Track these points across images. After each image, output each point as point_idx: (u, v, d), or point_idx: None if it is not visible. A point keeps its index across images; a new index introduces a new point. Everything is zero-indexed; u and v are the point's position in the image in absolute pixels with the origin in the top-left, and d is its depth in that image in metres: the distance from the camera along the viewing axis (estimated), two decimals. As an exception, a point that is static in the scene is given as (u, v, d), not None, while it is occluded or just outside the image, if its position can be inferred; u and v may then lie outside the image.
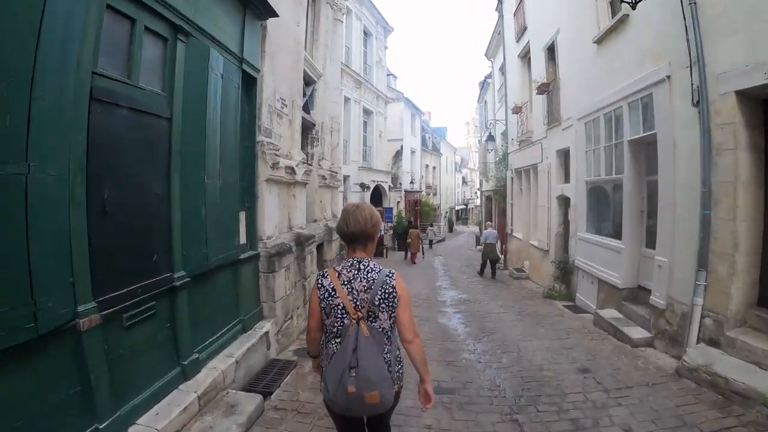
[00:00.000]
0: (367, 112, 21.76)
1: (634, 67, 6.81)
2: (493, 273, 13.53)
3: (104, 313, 2.79)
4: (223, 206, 4.28)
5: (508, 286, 12.02)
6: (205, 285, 3.97)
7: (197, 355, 3.76)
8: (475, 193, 61.20)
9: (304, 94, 8.11)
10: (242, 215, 4.85)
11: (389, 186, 25.09)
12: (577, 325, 7.27)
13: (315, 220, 8.28)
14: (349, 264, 2.19)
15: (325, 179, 8.41)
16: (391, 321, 2.17)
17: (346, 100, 18.76)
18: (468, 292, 11.17)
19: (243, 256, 4.77)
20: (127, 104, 3.05)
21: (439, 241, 29.73)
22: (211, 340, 4.06)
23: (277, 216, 5.77)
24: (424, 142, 37.70)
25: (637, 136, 6.74)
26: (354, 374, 2.02)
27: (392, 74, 30.73)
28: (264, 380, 4.44)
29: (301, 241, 6.38)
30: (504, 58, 16.03)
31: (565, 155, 10.59)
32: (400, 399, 2.33)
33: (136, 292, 3.09)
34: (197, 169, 3.83)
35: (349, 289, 2.13)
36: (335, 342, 2.15)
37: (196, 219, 3.81)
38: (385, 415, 2.32)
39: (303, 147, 8.45)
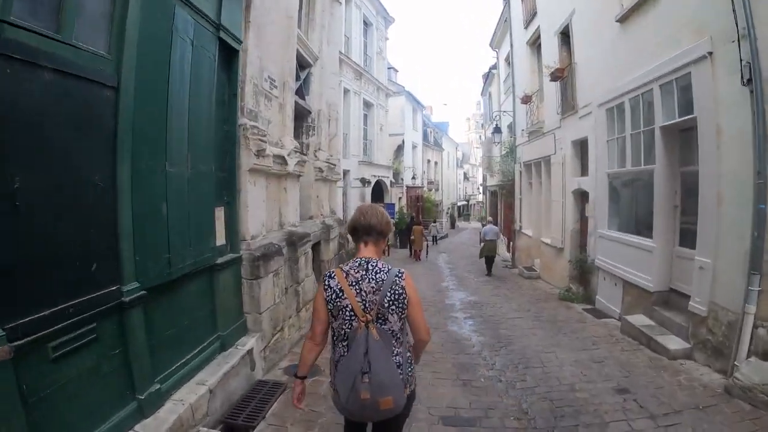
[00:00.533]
0: (367, 105, 20.98)
1: (667, 44, 6.04)
2: (490, 267, 13.45)
3: (18, 343, 2.07)
4: (194, 201, 3.52)
5: (519, 286, 11.28)
6: (169, 298, 3.23)
7: (158, 386, 3.02)
8: (478, 188, 60.94)
9: (298, 78, 7.37)
10: (220, 212, 4.09)
11: (391, 181, 24.34)
12: (603, 333, 6.54)
13: (311, 217, 7.54)
14: (357, 264, 2.12)
15: (322, 172, 7.66)
16: (401, 322, 2.10)
17: (346, 91, 18.00)
18: (477, 293, 10.44)
19: (221, 260, 4.02)
20: (54, 65, 2.30)
21: (442, 238, 28.96)
22: (177, 365, 3.31)
23: (264, 212, 5.02)
24: (425, 137, 37.00)
25: (671, 122, 5.98)
26: (367, 380, 1.95)
27: (393, 68, 29.97)
28: (246, 409, 3.69)
29: (294, 240, 5.64)
30: (511, 45, 15.23)
31: (581, 146, 9.82)
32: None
33: (66, 314, 2.34)
34: (156, 154, 3.07)
35: (358, 290, 2.06)
36: (342, 345, 2.07)
37: (155, 217, 3.05)
38: (399, 419, 2.23)
39: (297, 136, 7.71)
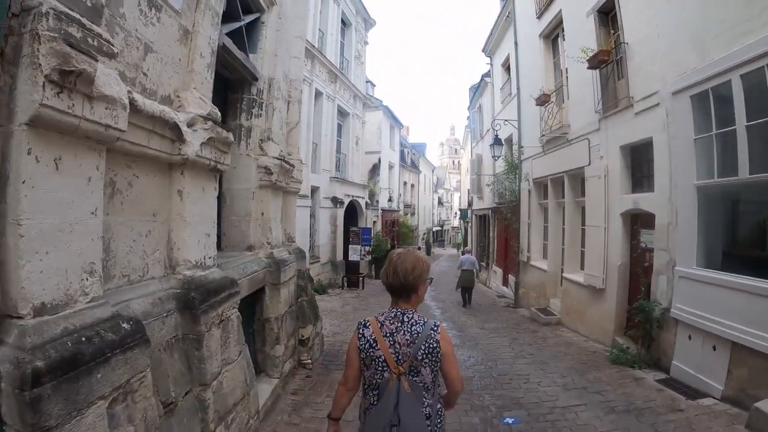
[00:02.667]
0: (342, 113, 18.26)
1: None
2: (469, 300, 12.43)
3: None
4: None
5: (540, 337, 8.48)
6: None
7: None
8: (455, 214, 59.04)
9: (238, 17, 4.53)
10: None
11: (366, 202, 21.50)
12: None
13: (249, 248, 4.59)
14: (392, 315, 2.08)
15: (271, 174, 4.73)
16: (433, 375, 2.04)
17: (318, 94, 15.26)
18: (487, 349, 7.61)
19: None
20: None
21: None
22: None
23: (90, 246, 2.06)
24: (402, 157, 34.56)
25: None
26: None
27: (370, 81, 27.52)
28: None
29: (192, 300, 2.73)
30: (515, 44, 12.85)
31: (635, 152, 7.29)
32: None
33: None
34: None
35: (391, 342, 2.03)
36: (372, 394, 2.05)
37: None
38: None
39: (229, 112, 4.84)
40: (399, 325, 2.04)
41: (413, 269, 2.07)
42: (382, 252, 19.71)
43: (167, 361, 2.63)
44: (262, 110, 4.95)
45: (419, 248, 28.84)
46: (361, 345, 2.06)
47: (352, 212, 19.64)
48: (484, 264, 19.57)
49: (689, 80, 5.73)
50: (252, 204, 4.58)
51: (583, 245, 9.09)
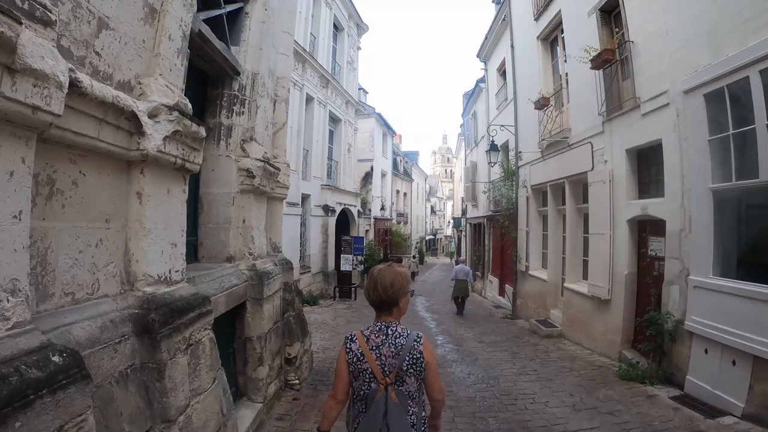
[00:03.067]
0: (334, 119, 17.87)
1: None
2: (462, 309, 12.72)
3: None
4: None
5: (542, 351, 8.05)
6: None
7: None
8: (448, 222, 58.74)
9: (218, 4, 4.12)
10: None
11: (358, 211, 21.05)
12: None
13: (229, 258, 4.13)
14: (377, 329, 2.17)
15: (253, 178, 4.28)
16: (418, 383, 2.14)
17: (309, 99, 14.87)
18: (488, 364, 7.17)
19: None
20: None
21: (413, 274, 25.70)
22: None
23: (19, 261, 1.63)
24: (395, 166, 34.21)
25: None
26: None
27: (363, 89, 27.20)
28: None
29: (151, 323, 2.28)
30: (512, 47, 12.55)
31: (643, 155, 6.95)
32: None
33: None
34: None
35: (378, 354, 2.11)
36: (360, 404, 2.14)
37: None
38: None
39: (211, 110, 4.42)
40: (384, 338, 2.13)
41: (392, 284, 2.15)
42: (374, 261, 19.25)
43: (120, 396, 2.18)
44: (244, 108, 4.52)
45: (413, 257, 28.42)
46: (350, 359, 2.14)
47: (343, 221, 19.20)
48: (479, 273, 19.17)
49: (702, 78, 5.41)
50: (232, 210, 4.12)
51: (585, 254, 8.72)
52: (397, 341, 2.11)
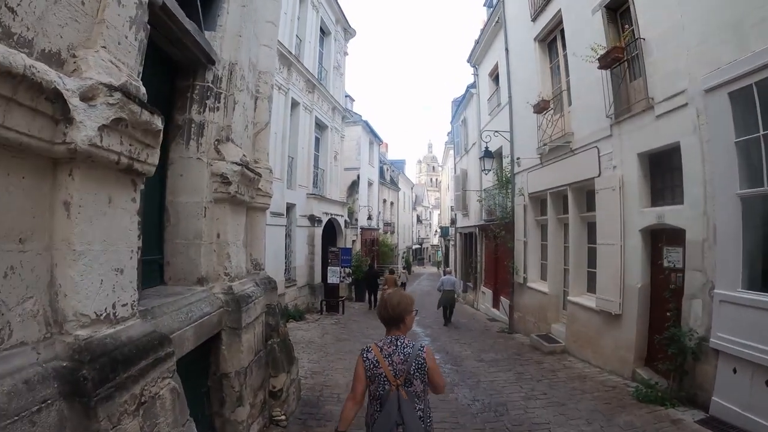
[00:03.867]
0: (320, 126, 17.25)
1: None
2: (450, 318, 13.08)
3: None
4: None
5: (548, 370, 7.47)
6: None
7: None
8: (435, 232, 58.27)
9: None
10: None
11: (345, 221, 20.39)
12: None
13: (200, 280, 3.47)
14: (389, 341, 2.67)
15: (229, 184, 3.63)
16: (423, 385, 2.61)
17: (294, 104, 14.24)
18: (492, 387, 6.55)
19: None
20: None
21: (402, 284, 25.03)
22: None
23: None
24: (381, 174, 33.67)
25: None
26: (401, 430, 2.46)
27: (349, 96, 26.66)
28: None
29: (81, 381, 1.64)
30: (506, 50, 12.12)
31: (656, 159, 6.48)
32: None
33: None
34: None
35: (390, 362, 2.58)
36: (376, 403, 2.59)
37: None
38: None
39: (180, 105, 3.79)
40: (394, 348, 2.62)
41: (398, 304, 2.69)
42: (362, 273, 18.59)
43: None
44: (219, 102, 3.89)
45: (403, 268, 28.20)
46: (366, 366, 2.60)
47: (330, 231, 18.52)
48: (471, 285, 18.62)
49: (726, 75, 4.95)
50: (204, 223, 3.46)
51: (591, 265, 8.20)
52: (405, 351, 2.60)
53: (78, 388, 1.70)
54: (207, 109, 3.80)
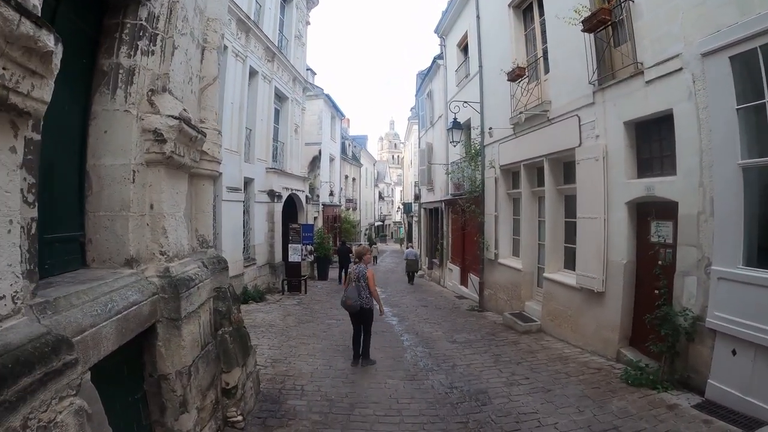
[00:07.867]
0: (280, 97, 16.21)
1: None
2: (412, 279, 18.20)
3: None
4: None
5: (527, 351, 7.14)
6: None
7: None
8: (398, 209, 57.91)
9: None
10: None
11: (306, 197, 19.55)
12: None
13: (130, 261, 2.75)
14: (355, 267, 6.60)
15: (164, 142, 2.88)
16: (363, 282, 6.41)
17: (253, 72, 13.20)
18: (469, 373, 6.14)
19: None
20: None
21: (374, 258, 24.62)
22: None
23: None
24: (343, 150, 32.78)
25: None
26: (347, 295, 6.43)
27: (311, 69, 25.45)
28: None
29: None
30: (477, 18, 11.46)
31: (641, 128, 6.09)
32: None
33: None
34: None
35: (354, 272, 6.52)
36: (350, 284, 6.49)
37: None
38: (363, 315, 6.48)
39: (107, 47, 2.99)
40: (355, 267, 6.58)
41: (361, 251, 6.93)
42: (325, 250, 17.92)
43: None
44: (155, 45, 3.10)
45: (376, 250, 29.39)
46: (350, 273, 6.66)
47: (291, 207, 17.67)
48: (437, 261, 18.28)
49: (727, 38, 4.55)
50: (132, 190, 2.72)
51: (569, 241, 7.86)
52: (359, 268, 6.53)
53: None
54: (139, 51, 3.01)
